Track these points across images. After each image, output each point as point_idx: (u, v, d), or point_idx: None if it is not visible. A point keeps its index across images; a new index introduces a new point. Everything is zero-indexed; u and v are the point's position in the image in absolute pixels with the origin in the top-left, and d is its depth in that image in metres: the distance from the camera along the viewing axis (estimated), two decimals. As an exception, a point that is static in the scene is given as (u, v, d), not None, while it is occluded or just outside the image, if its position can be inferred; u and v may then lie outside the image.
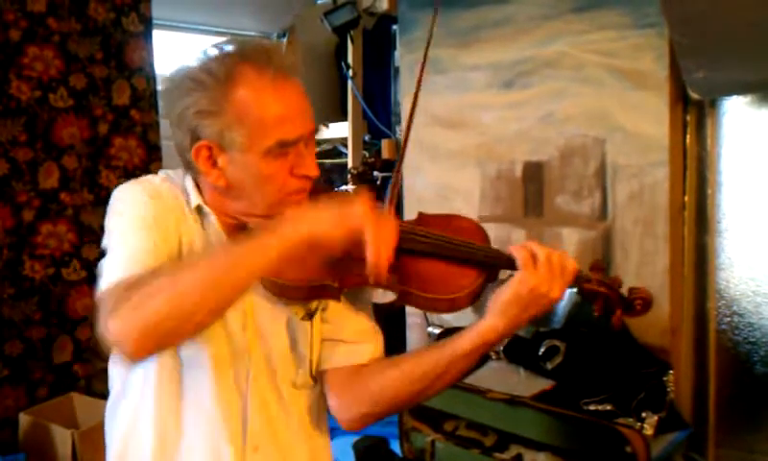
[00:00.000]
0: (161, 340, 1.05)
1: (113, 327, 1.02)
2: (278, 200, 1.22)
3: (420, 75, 1.32)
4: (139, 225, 1.18)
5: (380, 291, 1.26)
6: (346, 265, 1.20)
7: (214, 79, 1.16)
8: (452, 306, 1.23)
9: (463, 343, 1.20)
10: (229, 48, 1.20)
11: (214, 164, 1.20)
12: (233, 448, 1.24)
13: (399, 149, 3.40)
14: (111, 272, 1.13)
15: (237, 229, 1.28)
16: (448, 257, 1.24)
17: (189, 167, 1.25)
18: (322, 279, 1.21)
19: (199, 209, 1.26)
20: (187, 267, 1.09)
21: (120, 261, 1.14)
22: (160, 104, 3.42)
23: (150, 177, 1.30)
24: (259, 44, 1.27)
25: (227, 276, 1.05)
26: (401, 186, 3.01)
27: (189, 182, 1.28)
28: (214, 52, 1.20)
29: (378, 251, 1.09)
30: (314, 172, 1.23)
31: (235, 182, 1.21)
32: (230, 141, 1.17)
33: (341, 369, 1.31)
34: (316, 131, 1.25)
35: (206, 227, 1.27)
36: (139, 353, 1.05)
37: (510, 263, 1.21)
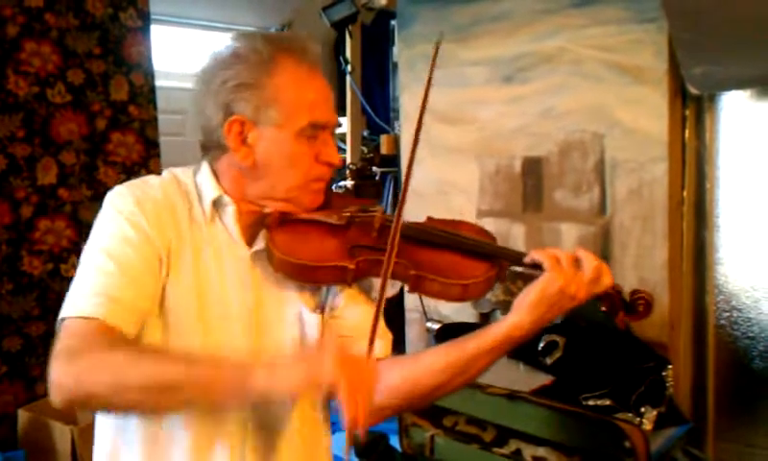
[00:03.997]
0: (87, 408, 1.09)
1: (54, 372, 1.04)
2: (300, 184, 1.27)
3: (421, 118, 1.35)
4: (119, 245, 1.18)
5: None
6: (360, 249, 1.26)
7: (258, 55, 1.23)
8: (465, 293, 1.25)
9: (487, 338, 1.20)
10: (272, 35, 1.30)
11: (244, 141, 1.23)
12: (231, 444, 1.23)
13: (400, 148, 3.40)
14: (77, 299, 1.15)
15: (253, 219, 1.29)
16: (460, 250, 1.28)
17: (214, 148, 1.27)
18: (338, 261, 1.25)
19: (215, 203, 1.27)
20: (143, 361, 1.05)
21: (88, 289, 1.15)
22: (160, 98, 3.42)
23: (150, 178, 1.30)
24: (299, 37, 1.34)
25: (173, 392, 1.02)
26: (399, 178, 3.01)
27: (204, 175, 1.29)
28: (257, 35, 1.27)
29: (354, 407, 0.99)
30: (337, 160, 1.29)
31: (262, 161, 1.24)
32: (266, 117, 1.22)
33: None
34: (337, 125, 1.33)
35: (220, 221, 1.27)
36: (62, 406, 1.06)
37: (518, 260, 1.25)
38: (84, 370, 1.03)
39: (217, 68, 1.24)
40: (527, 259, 1.24)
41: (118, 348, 1.07)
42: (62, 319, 1.15)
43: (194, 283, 1.23)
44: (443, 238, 1.29)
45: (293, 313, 1.29)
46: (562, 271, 1.17)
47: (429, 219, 1.38)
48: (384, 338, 1.33)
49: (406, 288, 1.28)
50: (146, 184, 1.27)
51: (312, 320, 1.30)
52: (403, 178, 1.28)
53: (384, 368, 1.28)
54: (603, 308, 1.26)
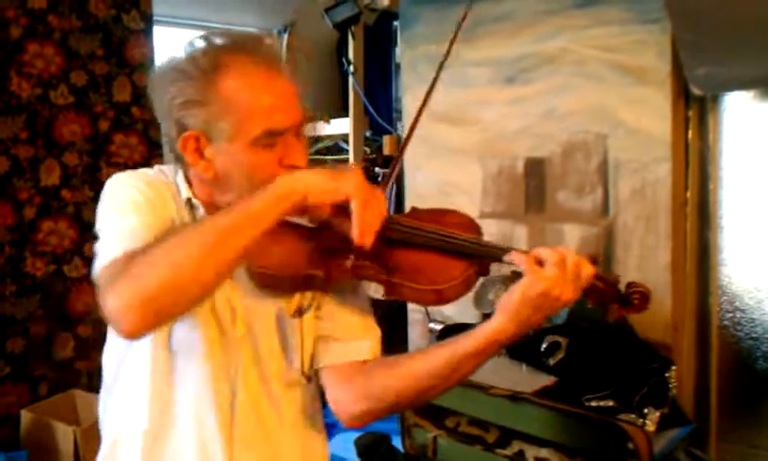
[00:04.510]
0: (159, 314, 1.03)
1: (112, 302, 1.02)
2: None
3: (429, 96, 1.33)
4: (133, 208, 1.18)
5: (374, 285, 1.26)
6: (332, 254, 1.20)
7: (199, 69, 1.17)
8: (439, 298, 1.21)
9: (474, 342, 1.17)
10: (217, 39, 1.21)
11: (201, 155, 1.20)
12: (221, 441, 1.23)
13: (401, 145, 3.40)
14: (106, 251, 1.13)
15: None
16: (436, 248, 1.23)
17: (178, 160, 1.26)
18: (307, 269, 1.21)
19: (189, 202, 1.27)
20: (185, 236, 1.06)
21: (114, 240, 1.14)
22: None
23: (144, 169, 1.31)
24: (249, 35, 1.29)
25: (226, 239, 1.04)
26: (401, 178, 3.01)
27: (180, 176, 1.29)
28: (201, 43, 1.20)
29: (364, 220, 1.10)
30: (302, 163, 1.22)
31: (223, 173, 1.20)
32: (217, 131, 1.17)
33: (339, 366, 1.29)
34: (305, 122, 1.25)
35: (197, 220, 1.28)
36: (136, 329, 1.04)
37: (498, 258, 1.21)
38: (135, 276, 1.02)
39: (164, 83, 1.20)
40: (506, 258, 1.19)
41: (152, 246, 1.06)
42: (97, 274, 1.13)
43: None
44: (419, 237, 1.24)
45: (272, 316, 1.28)
46: (540, 274, 1.12)
47: (414, 209, 1.34)
48: (373, 338, 1.32)
49: (381, 293, 1.25)
50: (145, 174, 1.28)
51: (292, 324, 1.28)
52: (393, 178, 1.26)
53: (372, 369, 1.28)
54: (590, 303, 1.21)
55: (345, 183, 1.10)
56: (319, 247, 1.22)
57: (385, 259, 1.20)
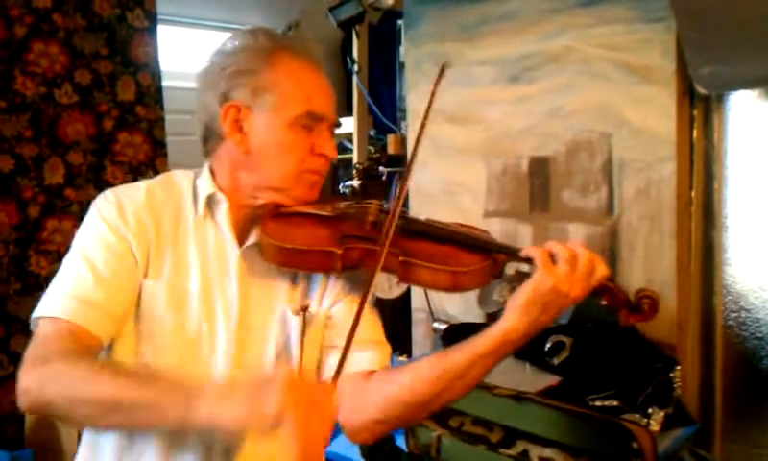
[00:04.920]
0: (48, 415, 1.15)
1: (23, 379, 1.08)
2: (295, 173, 1.27)
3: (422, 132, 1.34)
4: (99, 247, 1.20)
5: (386, 286, 1.27)
6: (350, 238, 1.26)
7: (259, 45, 1.26)
8: (455, 282, 1.23)
9: (485, 342, 1.17)
10: (275, 32, 1.31)
11: (240, 128, 1.25)
12: (196, 450, 1.21)
13: (406, 154, 3.40)
14: (52, 298, 1.18)
15: (246, 218, 1.30)
16: (453, 241, 1.27)
17: (212, 138, 1.29)
18: (327, 246, 1.24)
19: (209, 200, 1.27)
20: (99, 378, 1.06)
21: (63, 291, 1.17)
22: (167, 98, 3.42)
23: (140, 183, 1.31)
24: (300, 36, 1.39)
25: (120, 412, 1.04)
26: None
27: (203, 176, 1.30)
28: (260, 30, 1.30)
29: (304, 443, 0.95)
30: (333, 153, 1.29)
31: (257, 149, 1.25)
32: (262, 101, 1.23)
33: (346, 375, 1.26)
34: (337, 125, 1.32)
35: (212, 220, 1.28)
36: (27, 410, 1.10)
37: (516, 256, 1.23)
38: (46, 379, 1.06)
39: (218, 58, 1.27)
40: (522, 254, 1.21)
41: (81, 360, 1.09)
42: (36, 318, 1.17)
43: (171, 282, 1.24)
44: (436, 230, 1.29)
45: (277, 314, 1.28)
46: (552, 269, 1.14)
47: (428, 220, 1.36)
48: (382, 351, 1.32)
49: (396, 280, 1.27)
50: (132, 189, 1.30)
51: (294, 322, 1.28)
52: (402, 182, 1.29)
53: (381, 378, 1.27)
54: (604, 302, 1.23)
55: (270, 404, 0.96)
56: (338, 232, 1.27)
57: (404, 245, 1.24)
